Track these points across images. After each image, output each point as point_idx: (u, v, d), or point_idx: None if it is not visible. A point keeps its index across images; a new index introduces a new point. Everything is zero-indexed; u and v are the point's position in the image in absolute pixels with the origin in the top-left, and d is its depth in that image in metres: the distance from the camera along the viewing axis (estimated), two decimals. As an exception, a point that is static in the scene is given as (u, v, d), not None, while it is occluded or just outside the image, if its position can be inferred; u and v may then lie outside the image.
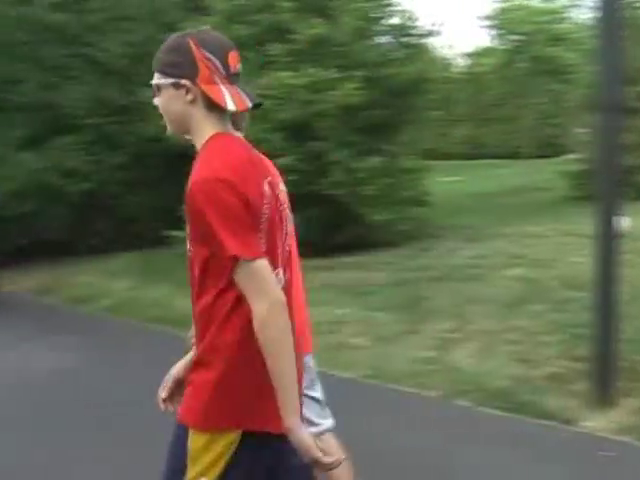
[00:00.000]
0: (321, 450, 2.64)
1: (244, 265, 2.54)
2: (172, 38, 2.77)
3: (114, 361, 8.27)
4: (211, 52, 2.70)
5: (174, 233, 10.94)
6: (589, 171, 14.95)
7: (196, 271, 2.68)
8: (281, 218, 2.83)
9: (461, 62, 42.75)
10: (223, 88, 2.70)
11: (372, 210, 13.28)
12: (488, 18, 39.43)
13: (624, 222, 6.45)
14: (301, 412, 2.77)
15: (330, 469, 2.68)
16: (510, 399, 6.36)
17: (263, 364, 2.58)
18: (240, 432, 2.66)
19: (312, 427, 3.98)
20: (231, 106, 2.70)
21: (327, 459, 2.63)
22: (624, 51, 6.68)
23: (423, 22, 15.54)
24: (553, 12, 37.57)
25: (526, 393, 6.43)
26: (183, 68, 2.69)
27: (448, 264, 11.56)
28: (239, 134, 3.91)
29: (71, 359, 8.53)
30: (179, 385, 2.98)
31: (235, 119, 3.62)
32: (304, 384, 3.89)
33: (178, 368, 3.04)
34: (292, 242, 3.97)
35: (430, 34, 15.40)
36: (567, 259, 10.85)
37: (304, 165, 13.10)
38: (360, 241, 13.48)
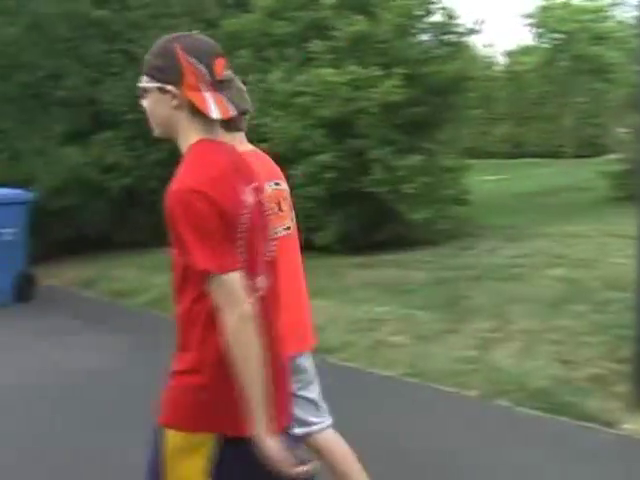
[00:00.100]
0: (300, 458, 2.68)
1: (214, 278, 2.57)
2: (160, 42, 2.77)
3: (153, 356, 8.28)
4: (197, 58, 2.70)
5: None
6: (630, 171, 14.86)
7: (176, 276, 2.72)
8: (264, 224, 2.84)
9: (502, 60, 42.59)
10: (208, 95, 2.70)
11: (412, 208, 13.23)
12: (529, 16, 39.23)
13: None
14: (292, 413, 2.87)
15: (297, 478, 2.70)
16: (550, 400, 6.30)
17: None
18: (221, 436, 2.68)
19: (305, 427, 3.98)
20: (215, 114, 2.69)
21: (292, 470, 2.65)
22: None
23: (464, 20, 15.41)
24: (595, 10, 37.33)
25: (567, 394, 6.36)
26: (168, 73, 2.70)
27: (488, 263, 11.50)
28: (239, 135, 3.94)
29: (110, 353, 8.57)
30: None
31: (234, 120, 3.65)
32: (298, 385, 3.92)
33: None
34: (287, 244, 3.98)
35: (471, 32, 15.30)
36: (609, 259, 10.76)
37: (344, 162, 13.09)
38: (400, 239, 13.45)
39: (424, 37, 15.17)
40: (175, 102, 2.71)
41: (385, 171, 13.03)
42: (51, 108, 14.92)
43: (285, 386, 2.90)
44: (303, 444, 2.86)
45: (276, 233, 3.80)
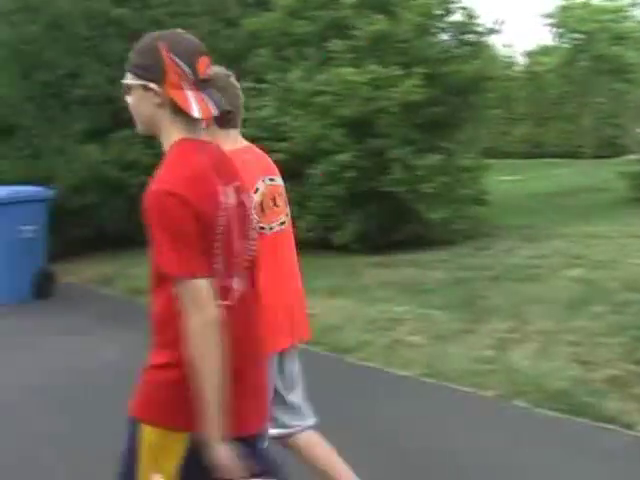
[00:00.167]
0: (252, 470, 2.69)
1: (180, 282, 2.60)
2: (144, 39, 2.80)
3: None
4: (180, 57, 2.72)
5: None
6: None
7: (153, 274, 2.74)
8: (246, 224, 2.86)
9: (521, 60, 42.44)
10: (190, 94, 2.72)
11: (430, 208, 13.22)
12: (549, 16, 39.05)
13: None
14: (262, 421, 2.91)
15: None
16: (568, 401, 6.28)
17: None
18: (193, 434, 2.69)
19: (283, 429, 4.00)
20: (197, 113, 2.71)
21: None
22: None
23: (484, 20, 15.39)
24: (615, 10, 37.09)
25: (585, 395, 6.34)
26: (151, 72, 2.73)
27: (506, 264, 11.48)
28: (234, 132, 3.97)
29: (129, 351, 8.58)
30: None
31: (229, 117, 3.69)
32: (283, 385, 3.96)
33: None
34: (282, 239, 4.02)
35: (491, 32, 15.27)
36: (628, 260, 10.73)
37: (364, 162, 13.09)
38: (417, 239, 13.44)
39: (444, 37, 15.16)
40: (158, 100, 2.74)
41: (404, 171, 13.01)
42: (71, 106, 14.98)
43: (257, 391, 2.90)
44: (263, 458, 2.86)
45: (271, 228, 3.88)
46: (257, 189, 3.85)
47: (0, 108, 14.73)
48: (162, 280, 2.68)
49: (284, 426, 4.03)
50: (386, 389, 7.04)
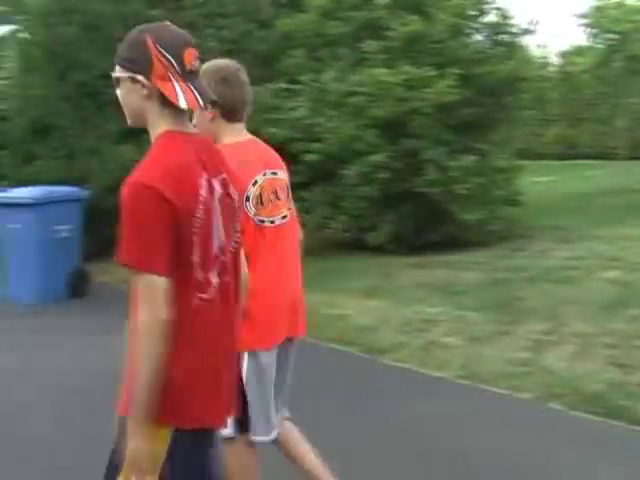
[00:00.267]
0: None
1: (138, 275, 2.62)
2: (132, 32, 2.85)
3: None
4: (167, 49, 2.74)
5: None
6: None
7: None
8: (230, 217, 2.86)
9: (556, 61, 42.25)
10: (177, 85, 2.74)
11: (464, 209, 13.19)
12: (583, 17, 38.88)
13: None
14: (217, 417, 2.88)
15: None
16: (604, 404, 6.25)
17: (195, 363, 2.69)
18: (174, 429, 2.70)
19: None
20: (183, 103, 2.73)
21: (137, 476, 2.66)
22: None
23: (518, 20, 15.36)
24: (650, 10, 36.93)
25: (621, 398, 6.31)
26: (139, 64, 2.76)
27: (541, 265, 11.44)
28: (239, 125, 3.99)
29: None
30: None
31: (235, 110, 3.70)
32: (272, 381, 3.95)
33: None
34: (283, 232, 4.02)
35: (525, 32, 15.24)
36: (664, 263, 10.68)
37: (397, 163, 13.08)
38: (452, 240, 13.42)
39: (478, 37, 15.14)
40: (145, 92, 2.77)
41: (438, 172, 12.99)
42: (106, 107, 15.02)
43: (223, 388, 2.87)
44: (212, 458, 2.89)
45: (272, 222, 3.88)
46: (255, 182, 3.85)
47: (36, 109, 14.86)
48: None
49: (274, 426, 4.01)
50: (421, 390, 7.02)
